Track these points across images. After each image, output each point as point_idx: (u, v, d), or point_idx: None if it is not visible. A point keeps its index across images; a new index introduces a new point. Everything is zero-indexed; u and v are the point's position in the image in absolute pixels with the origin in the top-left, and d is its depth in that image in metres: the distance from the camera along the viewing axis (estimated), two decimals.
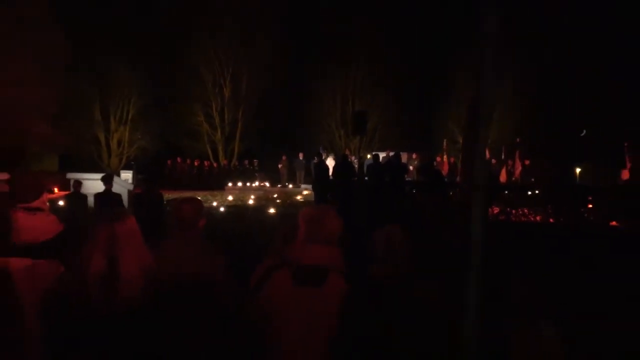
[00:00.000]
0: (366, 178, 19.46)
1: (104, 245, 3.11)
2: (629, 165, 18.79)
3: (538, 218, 16.94)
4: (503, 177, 23.13)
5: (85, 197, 13.78)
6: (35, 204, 4.01)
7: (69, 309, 3.02)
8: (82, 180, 14.97)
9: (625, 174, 18.52)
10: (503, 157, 25.48)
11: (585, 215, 16.14)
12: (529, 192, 19.07)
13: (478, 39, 1.96)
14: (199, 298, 3.21)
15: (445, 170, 24.32)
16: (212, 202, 21.78)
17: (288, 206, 21.11)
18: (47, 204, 4.17)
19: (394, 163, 19.56)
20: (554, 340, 1.87)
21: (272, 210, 19.78)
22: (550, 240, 13.13)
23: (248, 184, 29.70)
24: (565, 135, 30.77)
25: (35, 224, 3.62)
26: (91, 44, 29.03)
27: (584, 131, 30.30)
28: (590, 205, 16.67)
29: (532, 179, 21.85)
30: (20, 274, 3.07)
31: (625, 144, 19.63)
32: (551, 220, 16.45)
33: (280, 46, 34.03)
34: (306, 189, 26.27)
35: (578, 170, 26.21)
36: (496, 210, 16.68)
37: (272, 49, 34.11)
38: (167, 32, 33.34)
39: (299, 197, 24.69)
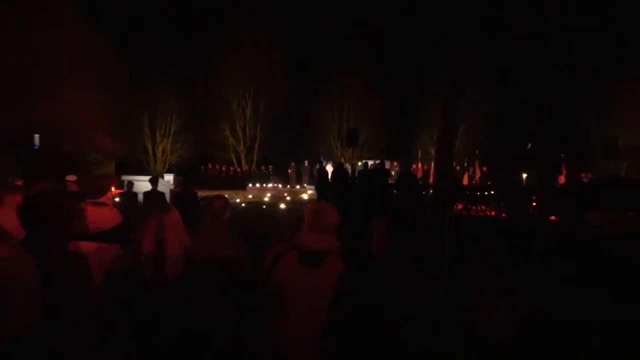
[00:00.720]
0: (357, 181, 19.45)
1: (154, 231, 3.13)
2: (564, 172, 18.83)
3: (493, 213, 16.93)
4: (465, 180, 23.10)
5: (135, 194, 13.80)
6: (102, 200, 4.05)
7: (126, 282, 3.05)
8: (134, 181, 14.98)
9: (561, 179, 18.54)
10: (465, 164, 25.47)
11: (530, 211, 16.14)
12: (486, 193, 19.06)
13: (446, 78, 1.98)
14: (225, 273, 3.23)
15: (419, 175, 24.27)
16: (235, 199, 21.78)
17: (295, 203, 21.10)
18: (111, 200, 4.21)
19: (379, 169, 19.56)
20: (503, 305, 1.89)
21: (282, 206, 19.77)
22: (503, 230, 13.15)
23: (264, 185, 29.69)
24: (514, 148, 30.83)
25: (101, 215, 3.65)
26: (142, 74, 29.03)
27: (530, 144, 30.28)
28: (534, 204, 16.68)
29: (489, 182, 21.83)
30: (89, 255, 3.09)
31: (562, 155, 19.74)
32: (503, 215, 16.45)
33: (289, 75, 34.31)
34: (310, 189, 26.24)
35: (524, 175, 26.18)
36: (460, 206, 16.67)
37: (283, 78, 34.28)
38: (201, 64, 33.45)
39: (304, 196, 24.68)
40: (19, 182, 9.20)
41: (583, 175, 21.12)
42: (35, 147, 20.04)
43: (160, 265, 3.04)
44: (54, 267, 2.27)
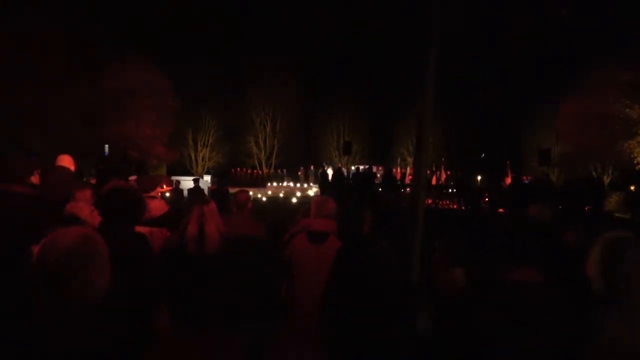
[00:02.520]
0: (351, 181, 19.45)
1: (197, 218, 3.13)
2: (510, 175, 18.77)
3: (454, 206, 16.92)
4: (433, 181, 23.00)
5: (182, 190, 13.85)
6: (152, 193, 4.06)
7: (175, 256, 3.07)
8: (181, 181, 15.05)
9: (507, 180, 18.45)
10: (433, 168, 25.38)
11: (483, 205, 16.11)
12: (449, 190, 19.06)
13: (418, 94, 1.96)
14: (251, 249, 3.24)
15: (398, 176, 24.22)
16: (258, 195, 21.79)
17: (304, 198, 21.11)
18: (159, 194, 4.22)
19: (367, 172, 19.59)
20: (459, 274, 1.92)
21: (294, 200, 19.80)
22: (461, 220, 13.16)
23: (280, 184, 29.71)
24: (471, 156, 30.84)
25: (152, 206, 3.66)
26: (188, 99, 29.13)
27: (483, 154, 30.30)
28: (486, 199, 16.65)
29: (451, 182, 21.79)
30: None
31: (507, 162, 19.70)
32: (462, 207, 16.44)
33: (299, 100, 34.70)
34: (315, 187, 26.25)
35: (479, 177, 26.18)
36: (429, 201, 16.65)
37: (294, 102, 34.59)
38: (232, 92, 33.64)
39: (310, 192, 24.68)
40: (93, 181, 9.23)
41: (524, 177, 21.11)
42: (105, 154, 20.09)
43: (201, 244, 3.05)
44: (125, 244, 2.29)
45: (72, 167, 4.33)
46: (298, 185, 29.76)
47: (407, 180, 22.41)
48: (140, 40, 25.46)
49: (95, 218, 2.64)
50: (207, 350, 1.71)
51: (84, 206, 2.84)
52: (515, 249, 1.75)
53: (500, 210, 14.49)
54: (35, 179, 3.07)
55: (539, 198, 12.11)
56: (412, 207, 2.01)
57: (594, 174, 24.58)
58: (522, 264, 1.70)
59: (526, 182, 19.17)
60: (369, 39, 35.37)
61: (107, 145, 20.59)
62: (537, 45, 32.14)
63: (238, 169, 31.57)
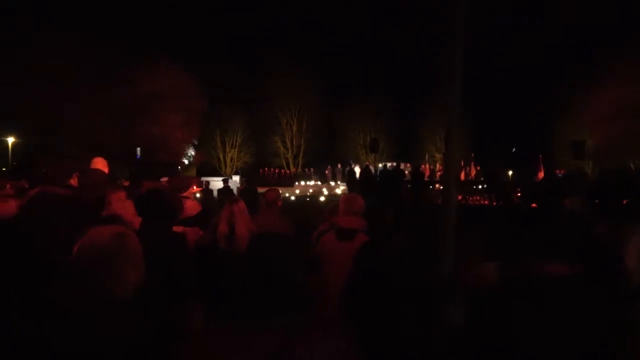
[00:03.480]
0: (379, 178, 19.36)
1: (227, 217, 3.19)
2: (542, 170, 18.31)
3: (485, 202, 16.60)
4: (462, 177, 22.59)
5: (212, 191, 14.08)
6: (185, 194, 4.15)
7: (208, 253, 3.13)
8: (210, 181, 15.29)
9: (540, 175, 18.00)
10: (462, 164, 24.92)
11: (515, 200, 15.74)
12: (480, 186, 18.70)
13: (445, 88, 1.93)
14: (280, 246, 3.28)
15: (427, 173, 23.93)
16: (285, 194, 21.89)
17: (331, 196, 21.11)
18: (192, 194, 4.30)
19: (396, 170, 19.47)
20: (492, 268, 1.89)
21: (322, 199, 19.84)
22: (493, 216, 12.89)
23: (307, 183, 29.75)
24: (501, 151, 30.18)
25: (186, 206, 3.74)
26: (216, 102, 29.54)
27: (514, 149, 29.62)
28: (519, 194, 16.27)
29: (482, 178, 21.38)
30: None
31: (540, 156, 19.22)
32: (494, 203, 16.13)
33: (324, 99, 34.67)
34: (342, 186, 26.18)
35: (510, 172, 25.60)
36: (459, 197, 16.38)
37: (320, 102, 34.59)
38: (259, 93, 33.89)
39: (338, 191, 24.64)
40: (126, 183, 9.47)
41: (557, 171, 20.52)
42: (138, 157, 20.63)
43: (231, 241, 3.10)
44: (164, 243, 2.36)
45: (106, 170, 4.48)
46: (325, 184, 29.77)
47: (437, 177, 22.11)
48: (168, 43, 26.00)
49: (137, 218, 2.72)
50: (240, 346, 1.74)
51: (129, 206, 2.94)
52: (550, 242, 1.71)
53: (533, 205, 14.11)
54: (74, 181, 3.18)
55: (574, 191, 11.75)
56: (444, 201, 1.99)
57: (631, 166, 23.69)
58: (557, 257, 1.67)
59: (559, 175, 18.63)
60: (394, 34, 35.12)
61: (139, 148, 21.13)
62: (569, 35, 31.15)
63: (266, 168, 31.80)
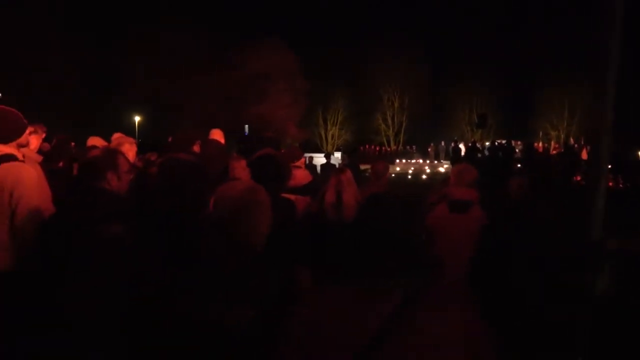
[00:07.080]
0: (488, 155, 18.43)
1: (334, 186, 3.22)
2: None
3: (610, 184, 14.94)
4: (584, 155, 20.47)
5: (315, 166, 14.42)
6: (298, 163, 4.24)
7: (314, 222, 3.19)
8: (313, 157, 15.68)
9: None
10: (583, 142, 22.60)
11: None
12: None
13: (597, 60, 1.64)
14: (385, 214, 3.22)
15: (540, 150, 22.09)
16: None
17: (434, 174, 20.51)
18: (304, 164, 4.41)
19: (506, 147, 18.44)
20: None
21: (424, 177, 19.38)
22: (619, 197, 11.75)
23: (408, 160, 29.17)
24: (630, 128, 26.71)
25: (297, 175, 3.84)
26: (318, 81, 29.87)
27: None
28: None
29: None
30: None
31: None
32: (620, 185, 14.57)
33: (427, 74, 33.36)
34: (446, 164, 25.23)
35: None
36: (578, 178, 14.98)
37: (422, 77, 33.34)
38: (361, 70, 33.56)
39: (441, 169, 23.82)
40: None
41: None
42: (246, 134, 21.78)
43: (339, 211, 3.12)
44: (273, 207, 2.44)
45: (222, 141, 4.77)
46: (428, 161, 28.94)
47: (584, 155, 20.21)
48: (274, 24, 26.85)
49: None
50: (354, 307, 1.74)
51: (244, 170, 3.12)
52: None
53: None
54: (196, 148, 3.42)
55: None
56: (595, 165, 1.75)
57: None
58: None
59: None
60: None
61: (247, 126, 22.30)
62: None
63: (367, 145, 31.75)
